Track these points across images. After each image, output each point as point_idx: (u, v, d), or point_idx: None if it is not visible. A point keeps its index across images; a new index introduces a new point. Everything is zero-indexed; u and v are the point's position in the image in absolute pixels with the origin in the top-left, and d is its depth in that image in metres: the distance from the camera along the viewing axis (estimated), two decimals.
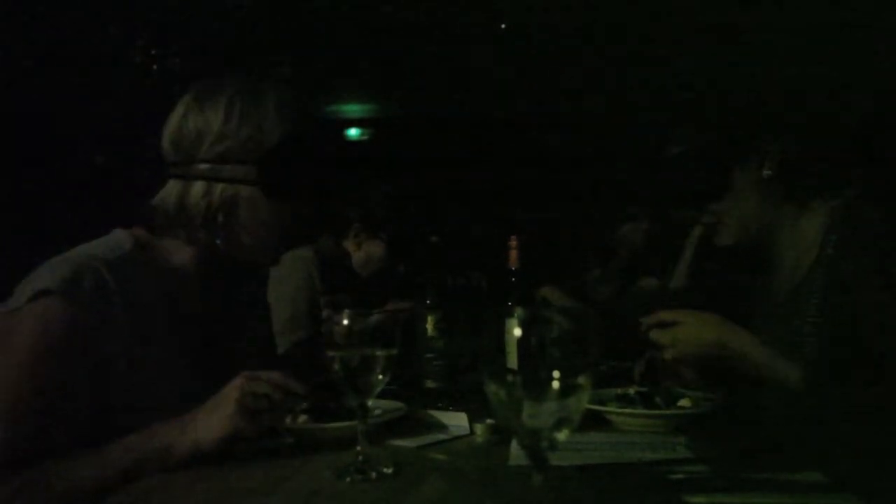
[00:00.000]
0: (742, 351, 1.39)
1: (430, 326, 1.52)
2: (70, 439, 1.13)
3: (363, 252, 2.74)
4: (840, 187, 1.48)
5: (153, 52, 4.13)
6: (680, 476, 1.05)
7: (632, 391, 1.47)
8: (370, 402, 1.09)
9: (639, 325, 1.51)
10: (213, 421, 1.12)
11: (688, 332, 1.43)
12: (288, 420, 1.28)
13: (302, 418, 1.29)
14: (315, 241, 2.67)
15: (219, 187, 1.25)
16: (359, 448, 1.07)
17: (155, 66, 4.09)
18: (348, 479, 1.03)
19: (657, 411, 1.37)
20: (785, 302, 1.51)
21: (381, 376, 1.08)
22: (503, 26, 4.91)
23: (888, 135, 1.76)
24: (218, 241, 1.28)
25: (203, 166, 1.25)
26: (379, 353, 1.08)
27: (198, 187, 1.25)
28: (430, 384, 1.53)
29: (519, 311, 0.73)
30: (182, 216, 1.27)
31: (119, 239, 1.29)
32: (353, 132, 6.88)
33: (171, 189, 1.28)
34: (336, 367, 1.07)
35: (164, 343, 1.26)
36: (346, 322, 1.08)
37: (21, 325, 1.15)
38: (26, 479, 1.09)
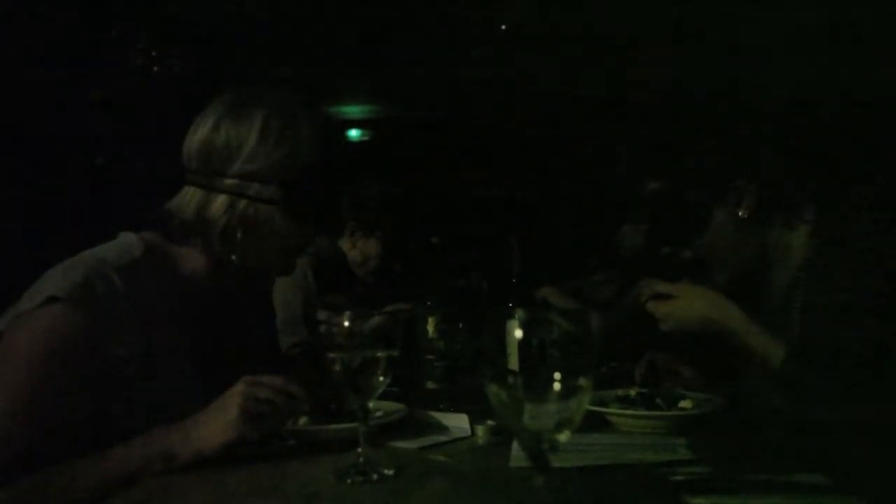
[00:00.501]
0: (732, 326, 1.41)
1: (430, 328, 1.52)
2: (75, 443, 1.13)
3: (359, 251, 2.72)
4: (823, 207, 1.49)
5: (154, 53, 4.13)
6: (681, 477, 1.05)
7: (633, 392, 1.47)
8: (371, 404, 1.09)
9: (636, 325, 1.51)
10: (215, 426, 1.12)
11: (683, 305, 1.45)
12: (289, 422, 1.28)
13: (303, 420, 1.29)
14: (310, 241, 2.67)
15: (242, 203, 1.25)
16: (360, 449, 1.07)
17: (156, 68, 4.09)
18: (349, 481, 1.03)
19: (658, 412, 1.37)
20: (775, 311, 1.51)
21: (381, 378, 1.08)
22: (503, 27, 4.91)
23: (866, 152, 1.76)
24: (234, 257, 1.28)
25: (230, 181, 1.25)
26: (380, 354, 1.08)
27: (220, 201, 1.25)
28: (430, 385, 1.53)
29: (520, 312, 0.73)
30: (200, 227, 1.26)
31: (129, 244, 1.29)
32: (353, 133, 6.88)
33: (191, 197, 1.27)
34: (337, 368, 1.07)
35: (172, 348, 1.26)
36: (346, 324, 1.08)
37: (29, 330, 1.15)
38: (27, 483, 1.09)
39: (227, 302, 1.38)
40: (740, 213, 1.48)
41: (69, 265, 1.21)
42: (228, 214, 1.25)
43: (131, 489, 1.04)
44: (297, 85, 5.11)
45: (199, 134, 1.28)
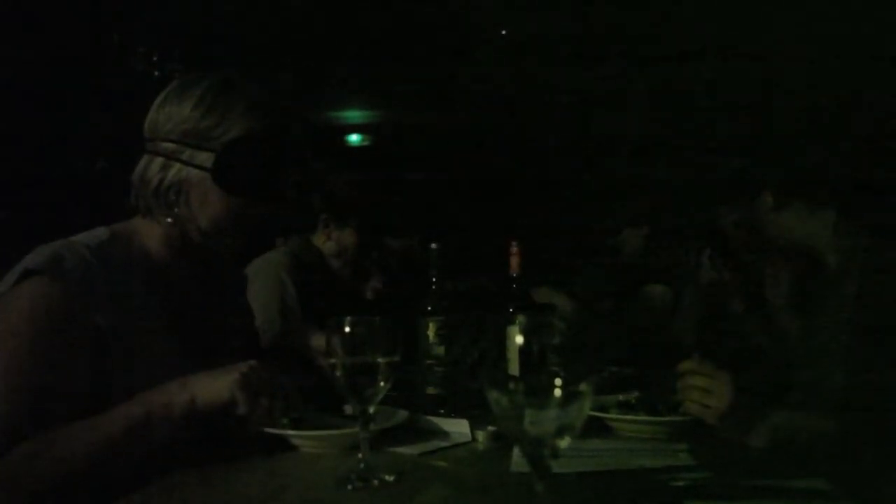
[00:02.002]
0: (775, 419, 1.34)
1: (430, 333, 1.52)
2: (68, 416, 1.14)
3: (334, 242, 2.69)
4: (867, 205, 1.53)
5: (155, 58, 4.14)
6: (682, 483, 1.05)
7: (633, 398, 1.46)
8: (372, 409, 1.09)
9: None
10: (213, 383, 1.16)
11: (722, 396, 1.34)
12: (286, 420, 1.28)
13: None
14: (285, 242, 2.65)
15: (175, 167, 1.30)
16: (360, 455, 1.07)
17: (156, 73, 4.09)
18: (350, 487, 1.03)
19: (659, 418, 1.37)
20: (831, 296, 1.54)
21: (382, 383, 1.08)
22: (503, 32, 4.92)
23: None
24: (169, 220, 1.32)
25: (167, 145, 1.31)
26: (380, 360, 1.07)
27: (158, 162, 1.31)
28: (431, 391, 1.52)
29: (520, 317, 0.73)
30: (140, 187, 1.33)
31: (97, 232, 1.34)
32: (353, 138, 6.89)
33: (141, 162, 1.34)
34: (338, 374, 1.07)
35: (152, 322, 1.28)
36: (347, 329, 1.08)
37: (12, 306, 1.19)
38: (27, 449, 1.09)
39: (196, 280, 1.41)
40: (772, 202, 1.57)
41: (39, 248, 1.25)
42: (162, 175, 1.31)
43: (132, 492, 1.04)
44: (297, 89, 5.13)
45: (153, 108, 1.35)
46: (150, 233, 1.35)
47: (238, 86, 1.34)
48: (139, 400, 1.16)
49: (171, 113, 1.32)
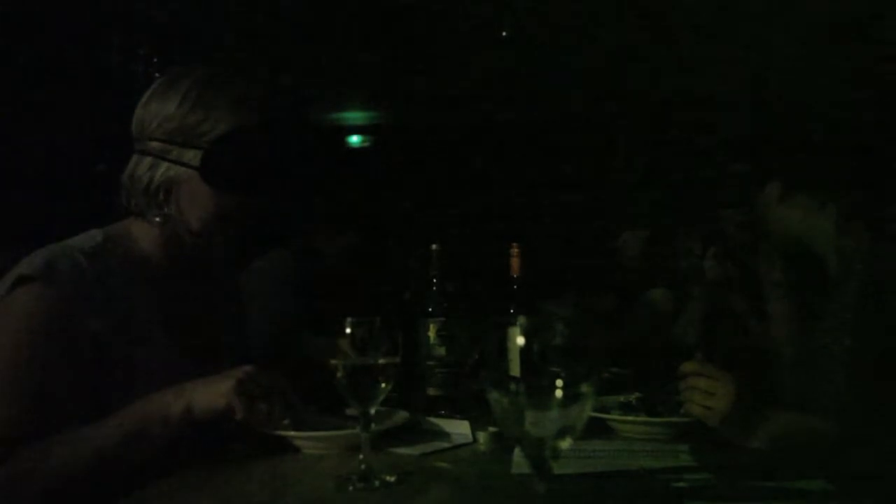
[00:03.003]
0: (777, 420, 1.34)
1: (431, 334, 1.52)
2: (67, 423, 1.14)
3: (334, 244, 2.69)
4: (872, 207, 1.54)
5: (155, 59, 4.14)
6: (683, 484, 1.05)
7: (634, 399, 1.46)
8: (373, 410, 1.09)
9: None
10: (209, 390, 1.16)
11: (723, 403, 1.33)
12: (286, 421, 1.28)
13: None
14: (287, 246, 2.64)
15: (164, 166, 1.29)
16: (361, 456, 1.07)
17: (157, 75, 4.10)
18: (351, 488, 1.03)
19: (660, 419, 1.37)
20: (830, 298, 1.55)
21: (383, 384, 1.08)
22: (504, 34, 4.92)
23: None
24: (158, 219, 1.31)
25: (154, 144, 1.30)
26: (382, 361, 1.08)
27: (146, 162, 1.30)
28: (432, 392, 1.52)
29: (521, 319, 0.73)
30: (130, 187, 1.32)
31: (91, 234, 1.33)
32: (354, 139, 6.88)
33: (130, 162, 1.33)
34: (339, 375, 1.08)
35: (148, 324, 1.28)
36: (348, 330, 1.08)
37: (7, 313, 1.19)
38: (25, 459, 1.09)
39: (192, 279, 1.40)
40: (776, 195, 1.56)
41: (33, 253, 1.24)
42: (150, 174, 1.29)
43: (130, 494, 1.04)
44: (297, 91, 5.13)
45: (139, 105, 1.34)
46: (143, 234, 1.34)
47: (223, 80, 1.32)
48: (135, 408, 1.15)
49: (156, 111, 1.30)
